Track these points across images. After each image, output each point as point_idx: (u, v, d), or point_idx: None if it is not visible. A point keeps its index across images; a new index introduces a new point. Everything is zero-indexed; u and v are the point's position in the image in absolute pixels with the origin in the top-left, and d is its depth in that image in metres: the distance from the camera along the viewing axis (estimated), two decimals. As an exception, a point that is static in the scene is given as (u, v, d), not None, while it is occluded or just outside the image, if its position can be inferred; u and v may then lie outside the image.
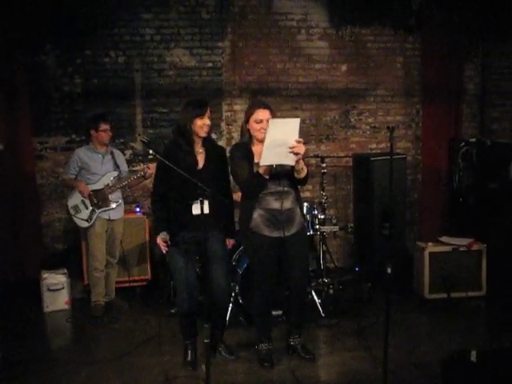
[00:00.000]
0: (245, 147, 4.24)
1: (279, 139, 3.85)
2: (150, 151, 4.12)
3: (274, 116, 4.19)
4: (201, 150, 4.27)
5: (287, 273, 4.37)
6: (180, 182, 4.07)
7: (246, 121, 4.23)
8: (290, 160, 3.95)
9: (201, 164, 4.25)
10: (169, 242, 4.25)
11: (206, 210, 3.76)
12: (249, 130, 4.22)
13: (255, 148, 4.20)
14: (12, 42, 6.18)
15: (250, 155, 4.18)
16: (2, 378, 4.22)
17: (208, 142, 4.33)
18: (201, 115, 4.14)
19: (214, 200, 3.95)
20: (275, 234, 4.22)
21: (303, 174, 4.13)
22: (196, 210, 3.92)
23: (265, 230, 4.21)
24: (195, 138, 4.21)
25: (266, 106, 4.23)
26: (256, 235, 4.22)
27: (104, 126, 5.54)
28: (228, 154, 4.38)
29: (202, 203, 3.66)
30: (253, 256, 4.36)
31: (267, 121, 4.09)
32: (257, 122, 4.15)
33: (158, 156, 4.20)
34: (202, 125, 4.15)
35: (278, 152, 3.88)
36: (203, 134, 4.20)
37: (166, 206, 4.29)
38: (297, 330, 4.58)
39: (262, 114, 4.16)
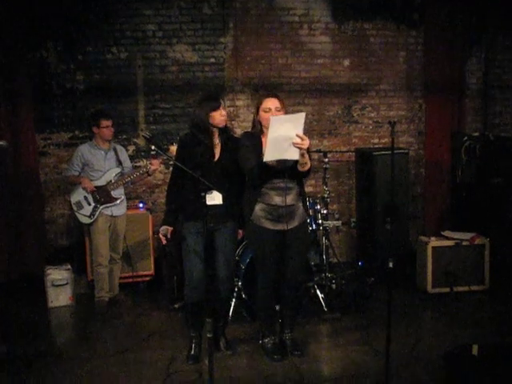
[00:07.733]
0: (255, 137, 4.27)
1: (282, 135, 3.84)
2: (153, 147, 4.15)
3: (282, 104, 4.23)
4: (217, 142, 4.36)
5: (285, 264, 4.36)
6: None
7: (257, 112, 4.28)
8: (293, 154, 3.94)
9: (217, 156, 4.33)
10: (168, 236, 4.36)
11: (219, 201, 4.19)
12: (259, 121, 4.26)
13: (265, 139, 4.20)
14: (13, 38, 6.17)
15: (259, 145, 4.21)
16: (6, 373, 4.24)
17: (224, 133, 4.40)
18: (216, 108, 4.25)
19: (225, 192, 4.18)
20: (276, 227, 4.24)
21: (307, 167, 4.13)
22: (210, 200, 4.11)
23: (266, 222, 4.23)
24: (213, 130, 4.31)
25: (274, 95, 4.29)
26: (257, 227, 4.25)
27: (106, 123, 5.54)
28: None
29: (205, 194, 3.75)
30: (254, 248, 4.41)
31: (276, 109, 4.14)
32: (265, 111, 4.19)
33: (160, 152, 4.24)
34: (219, 116, 4.27)
35: (282, 147, 3.88)
36: (222, 123, 4.31)
37: (178, 199, 4.37)
38: (289, 324, 4.56)
39: (270, 102, 4.20)
